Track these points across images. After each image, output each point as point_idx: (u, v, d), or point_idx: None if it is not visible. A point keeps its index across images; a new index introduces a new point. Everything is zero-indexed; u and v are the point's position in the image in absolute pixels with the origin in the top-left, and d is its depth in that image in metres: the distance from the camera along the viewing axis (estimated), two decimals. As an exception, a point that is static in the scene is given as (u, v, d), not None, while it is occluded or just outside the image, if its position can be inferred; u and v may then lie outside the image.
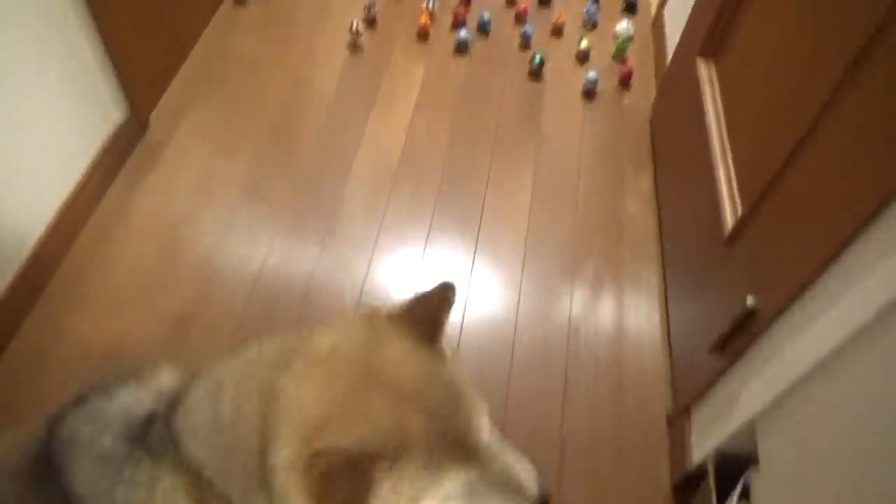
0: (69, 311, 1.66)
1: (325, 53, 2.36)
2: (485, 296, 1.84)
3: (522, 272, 1.90)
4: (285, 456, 0.64)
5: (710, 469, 1.37)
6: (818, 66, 1.21)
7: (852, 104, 1.08)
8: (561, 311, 1.83)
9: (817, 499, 1.04)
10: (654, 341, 1.80)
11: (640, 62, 2.50)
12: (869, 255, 0.98)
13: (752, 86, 1.53)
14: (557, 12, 2.59)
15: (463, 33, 2.40)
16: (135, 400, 0.75)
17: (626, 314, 1.84)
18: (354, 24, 2.34)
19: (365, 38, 2.40)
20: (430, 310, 0.77)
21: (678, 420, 1.58)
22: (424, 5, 2.49)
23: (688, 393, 1.54)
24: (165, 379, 0.78)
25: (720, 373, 1.38)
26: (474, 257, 1.91)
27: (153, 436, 0.71)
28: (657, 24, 2.58)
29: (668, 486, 1.55)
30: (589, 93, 2.36)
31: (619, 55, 2.48)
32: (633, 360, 1.76)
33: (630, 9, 2.68)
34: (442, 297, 0.78)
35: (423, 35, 2.46)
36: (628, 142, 2.25)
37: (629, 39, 2.53)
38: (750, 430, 1.26)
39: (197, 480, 0.70)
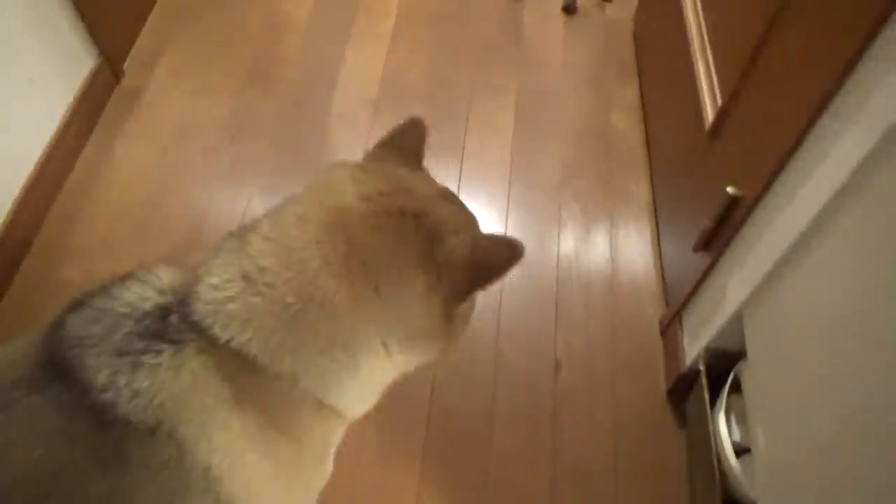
0: (58, 265, 1.66)
1: (297, -12, 2.30)
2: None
3: (509, 193, 1.87)
4: (451, 248, 0.74)
5: (702, 368, 1.37)
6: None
7: None
8: (550, 231, 1.80)
9: (804, 379, 1.03)
10: (645, 254, 1.78)
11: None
12: (840, 121, 0.95)
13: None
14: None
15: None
16: (138, 297, 0.72)
17: (617, 227, 1.82)
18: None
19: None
20: (410, 140, 0.86)
21: (670, 327, 1.57)
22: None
23: (678, 298, 1.52)
24: (165, 276, 0.75)
25: (706, 271, 1.36)
26: (459, 184, 1.88)
27: (169, 327, 0.70)
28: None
29: (664, 391, 1.56)
30: (569, 8, 2.28)
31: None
32: (626, 274, 1.74)
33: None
34: (418, 127, 0.87)
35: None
36: (613, 55, 2.19)
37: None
38: (738, 324, 1.24)
39: (231, 362, 0.69)
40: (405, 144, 0.85)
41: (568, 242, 1.78)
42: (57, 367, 0.68)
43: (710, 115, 1.41)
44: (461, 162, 1.92)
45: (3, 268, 1.61)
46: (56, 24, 1.73)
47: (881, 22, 0.86)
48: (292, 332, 0.70)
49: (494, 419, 1.51)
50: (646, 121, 2.00)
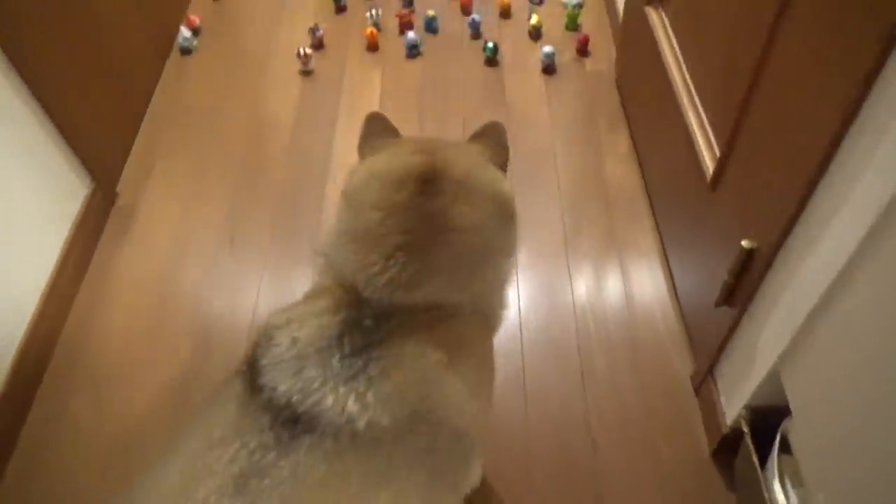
0: (69, 399, 1.62)
1: (279, 84, 2.32)
2: (482, 294, 1.78)
3: (516, 258, 1.84)
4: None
5: (746, 430, 1.30)
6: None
7: (801, 10, 1.01)
8: (563, 290, 1.76)
9: (858, 436, 0.97)
10: (663, 304, 1.73)
11: (595, 27, 2.44)
12: (853, 163, 0.91)
13: (702, 21, 1.47)
14: (502, -5, 2.54)
15: (411, 35, 2.35)
16: (318, 328, 0.79)
17: (630, 282, 1.77)
18: (302, 51, 2.30)
19: (315, 62, 2.36)
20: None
21: (704, 384, 1.51)
22: (367, 17, 2.45)
23: (706, 353, 1.47)
24: (309, 304, 0.83)
25: (733, 326, 1.31)
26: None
27: (369, 331, 0.78)
28: (605, -15, 2.51)
29: (708, 453, 1.48)
30: (548, 68, 2.30)
31: (572, 23, 2.42)
32: (647, 328, 1.69)
33: (574, -26, 2.62)
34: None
35: (372, 46, 2.41)
36: (598, 107, 2.19)
37: (579, 6, 2.47)
38: (776, 380, 1.19)
39: (425, 320, 0.80)
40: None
41: (582, 300, 1.74)
42: (299, 422, 0.74)
43: (709, 165, 1.39)
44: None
45: (14, 412, 1.58)
46: (47, 159, 1.74)
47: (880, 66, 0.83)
48: (460, 271, 0.84)
49: (533, 498, 1.44)
50: (642, 169, 1.98)
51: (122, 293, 1.82)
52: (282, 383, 0.76)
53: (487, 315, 0.92)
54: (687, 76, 1.56)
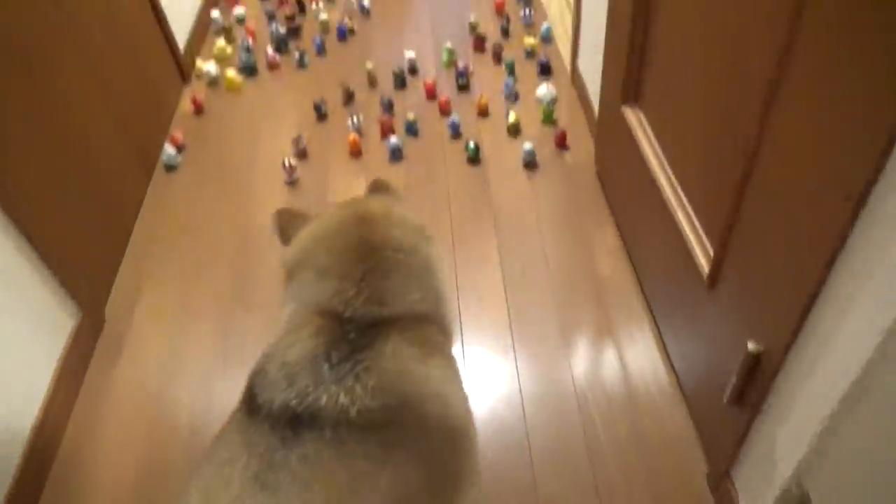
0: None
1: (265, 196, 2.34)
2: (482, 389, 1.75)
3: (515, 358, 1.82)
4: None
5: (770, 531, 1.26)
6: (742, 86, 1.19)
7: (788, 107, 1.04)
8: (565, 390, 1.74)
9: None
10: (669, 401, 1.70)
11: (571, 120, 2.52)
12: (866, 255, 0.90)
13: (682, 121, 1.51)
14: (478, 94, 2.63)
15: (394, 140, 2.40)
16: (306, 348, 0.91)
17: (632, 378, 1.76)
18: (287, 161, 2.33)
19: (300, 171, 2.39)
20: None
21: (721, 486, 1.47)
22: (349, 123, 2.51)
23: (721, 453, 1.44)
24: (305, 330, 0.94)
25: (747, 426, 1.29)
26: (463, 351, 1.83)
27: (353, 343, 0.91)
28: (576, 79, 2.61)
29: (732, 554, 1.43)
30: (530, 164, 2.35)
31: (549, 119, 2.50)
32: (654, 426, 1.66)
33: (545, 72, 2.73)
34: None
35: (355, 152, 2.46)
36: (582, 201, 2.23)
37: (553, 101, 2.56)
38: (798, 484, 1.16)
39: (401, 326, 0.95)
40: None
41: (587, 401, 1.71)
42: (299, 421, 0.85)
43: (703, 264, 1.40)
44: (461, 333, 1.88)
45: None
46: (31, 292, 1.71)
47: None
48: (416, 284, 1.01)
49: None
50: (633, 264, 2.00)
51: (112, 425, 1.75)
52: (278, 396, 0.88)
53: (442, 324, 1.05)
54: (671, 175, 1.60)
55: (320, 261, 1.00)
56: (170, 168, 2.47)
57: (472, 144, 2.36)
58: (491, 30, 2.99)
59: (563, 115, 2.54)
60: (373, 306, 0.94)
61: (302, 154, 2.46)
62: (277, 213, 1.15)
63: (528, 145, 2.32)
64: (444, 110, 2.59)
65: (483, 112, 2.57)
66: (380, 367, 0.89)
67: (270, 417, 0.86)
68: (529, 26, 2.99)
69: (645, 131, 1.75)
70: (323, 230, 1.04)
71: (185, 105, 2.75)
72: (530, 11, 2.98)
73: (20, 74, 1.74)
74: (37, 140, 1.78)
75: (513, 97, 2.62)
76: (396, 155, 2.42)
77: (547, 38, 2.89)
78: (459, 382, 1.04)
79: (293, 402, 0.86)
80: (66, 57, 1.97)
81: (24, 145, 1.72)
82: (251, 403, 0.89)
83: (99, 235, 2.07)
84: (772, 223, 1.13)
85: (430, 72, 2.81)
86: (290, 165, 2.33)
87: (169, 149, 2.45)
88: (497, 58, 2.81)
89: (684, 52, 1.45)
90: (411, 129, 2.51)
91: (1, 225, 1.61)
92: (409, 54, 2.78)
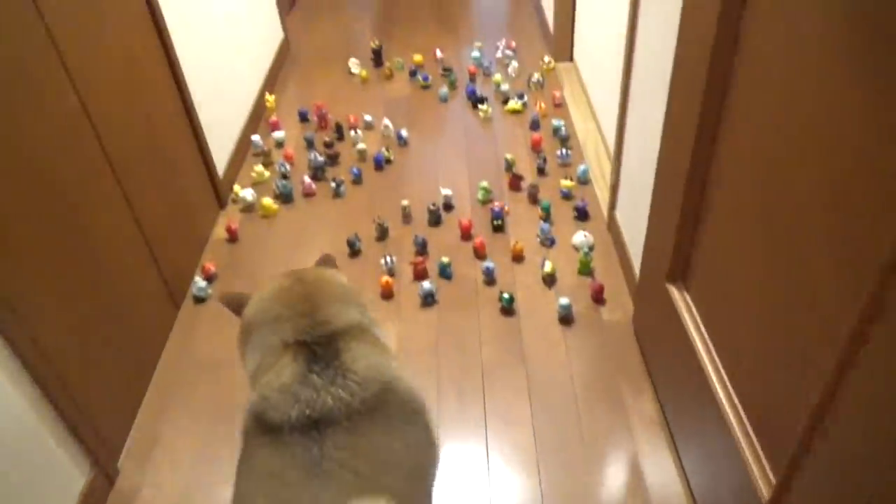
0: None
1: (292, 338, 2.29)
2: None
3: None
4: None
5: None
6: (820, 312, 1.13)
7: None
8: None
9: None
10: None
11: (608, 272, 2.47)
12: None
13: (740, 318, 1.43)
14: (514, 239, 2.60)
15: (427, 285, 2.36)
16: (292, 371, 1.16)
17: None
18: (316, 304, 2.29)
19: (329, 311, 2.35)
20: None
21: None
22: (382, 263, 2.48)
23: None
24: (284, 359, 1.19)
25: None
26: (493, 549, 1.71)
27: (326, 359, 1.18)
28: (613, 227, 2.58)
29: None
30: (565, 318, 2.29)
31: (585, 268, 2.45)
32: None
33: (582, 217, 2.71)
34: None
35: (387, 294, 2.42)
36: (619, 363, 2.15)
37: (590, 250, 2.53)
38: None
39: (357, 333, 1.24)
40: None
41: None
42: (318, 423, 1.09)
43: (762, 488, 1.30)
44: (489, 495, 1.77)
45: None
46: (42, 445, 1.64)
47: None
48: (346, 301, 1.28)
49: None
50: (675, 446, 1.88)
51: None
52: (292, 411, 1.10)
53: (375, 331, 1.31)
54: (722, 371, 1.51)
55: (275, 311, 1.24)
56: (199, 300, 2.44)
57: (506, 295, 2.31)
58: (527, 168, 3.01)
59: (599, 264, 2.50)
60: (325, 326, 1.21)
61: (333, 293, 2.43)
62: (225, 297, 1.36)
63: (564, 300, 2.27)
64: (480, 253, 2.56)
65: (518, 258, 2.54)
66: (356, 365, 1.16)
67: (295, 428, 1.08)
68: (566, 166, 3.00)
69: (692, 315, 1.69)
70: (271, 292, 1.28)
71: (220, 232, 2.76)
72: (567, 151, 3.00)
73: (52, 202, 1.74)
74: (66, 276, 1.76)
75: (548, 242, 2.59)
76: (429, 299, 2.37)
77: (584, 181, 2.89)
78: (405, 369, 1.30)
79: (307, 411, 1.09)
80: (101, 188, 1.98)
81: (51, 281, 1.70)
82: (266, 427, 1.11)
83: (119, 378, 2.01)
84: (857, 469, 1.03)
85: (466, 208, 2.81)
86: (321, 307, 2.29)
87: (199, 280, 2.43)
88: (533, 198, 2.80)
89: (746, 238, 1.39)
90: (445, 272, 2.47)
91: (12, 369, 1.56)
92: (446, 192, 2.79)
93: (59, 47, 1.76)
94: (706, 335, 1.62)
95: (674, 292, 1.78)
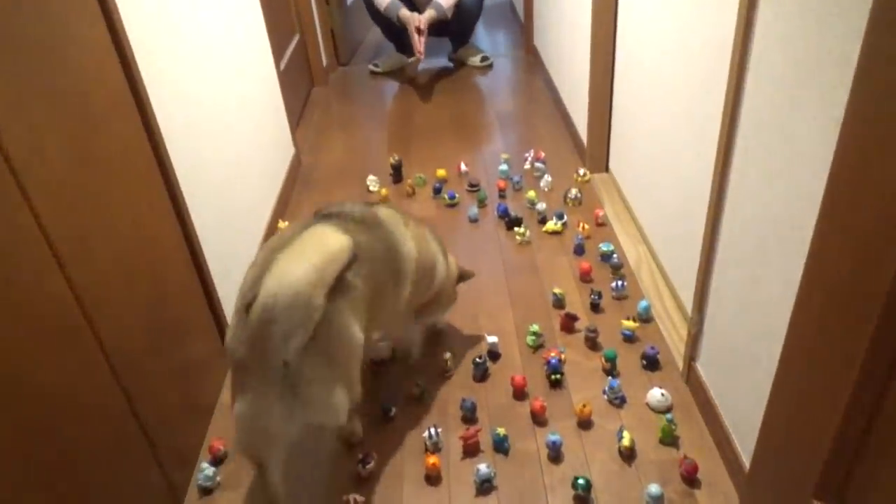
0: None
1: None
2: None
3: None
4: None
5: None
6: None
7: None
8: None
9: None
10: None
11: (695, 442, 2.06)
12: None
13: None
14: (575, 397, 2.22)
15: (484, 469, 1.94)
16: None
17: None
18: (352, 500, 1.87)
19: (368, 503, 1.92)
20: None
21: None
22: (425, 437, 2.07)
23: None
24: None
25: None
26: None
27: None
28: (693, 382, 2.20)
29: None
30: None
31: (668, 437, 2.05)
32: None
33: (651, 366, 2.33)
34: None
35: (433, 478, 2.00)
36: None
37: (670, 410, 2.14)
38: None
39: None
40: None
41: None
42: (333, 214, 1.85)
43: None
44: None
45: None
46: None
47: None
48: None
49: None
50: None
51: None
52: (324, 210, 1.91)
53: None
54: None
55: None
56: (205, 491, 2.01)
57: (581, 481, 1.89)
58: (577, 302, 2.65)
59: (681, 429, 2.09)
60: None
61: (368, 477, 2.01)
62: None
63: (654, 489, 1.85)
64: (539, 419, 2.16)
65: (585, 424, 2.14)
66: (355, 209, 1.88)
67: (318, 215, 1.85)
68: (622, 299, 2.65)
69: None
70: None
71: (229, 395, 2.36)
72: (622, 283, 2.65)
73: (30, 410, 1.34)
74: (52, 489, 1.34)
75: (618, 401, 2.20)
76: (486, 488, 1.95)
77: (646, 318, 2.53)
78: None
79: (333, 209, 1.86)
80: (94, 386, 1.59)
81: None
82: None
83: None
84: None
85: (514, 356, 2.42)
86: (356, 503, 1.87)
87: (206, 466, 2.01)
88: (591, 343, 2.43)
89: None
90: (501, 447, 2.07)
91: None
92: (492, 339, 2.41)
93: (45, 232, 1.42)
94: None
95: (825, 512, 1.38)
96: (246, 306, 1.52)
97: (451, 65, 5.44)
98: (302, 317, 1.48)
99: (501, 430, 2.07)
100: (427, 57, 5.05)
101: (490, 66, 5.30)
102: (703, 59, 2.07)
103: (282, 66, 3.98)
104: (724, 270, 1.91)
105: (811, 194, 1.39)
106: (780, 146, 1.52)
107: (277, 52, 3.76)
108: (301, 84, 4.78)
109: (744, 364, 1.82)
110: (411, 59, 5.29)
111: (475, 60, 5.32)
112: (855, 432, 1.28)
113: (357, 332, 1.65)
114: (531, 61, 5.34)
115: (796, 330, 1.43)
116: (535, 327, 2.46)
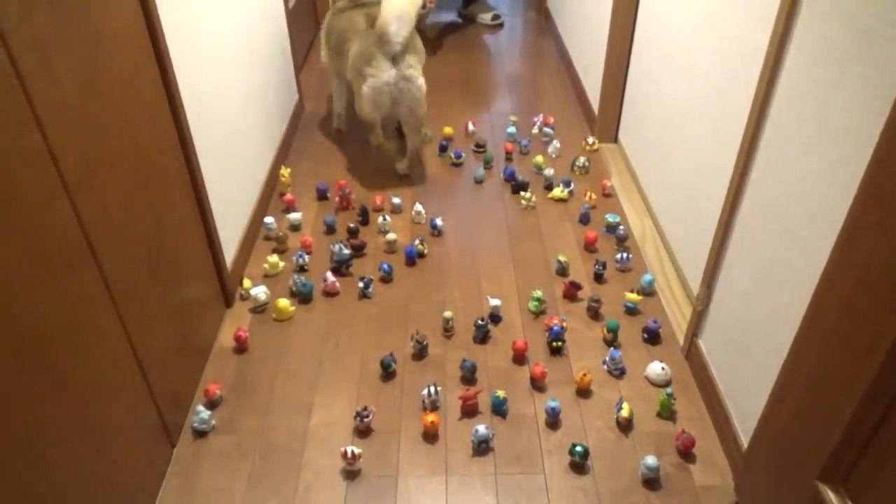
0: None
1: (316, 491, 1.84)
2: None
3: None
4: None
5: None
6: None
7: None
8: None
9: None
10: None
11: (693, 418, 2.07)
12: None
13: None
14: (575, 364, 2.21)
15: (482, 430, 1.93)
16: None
17: None
18: (350, 451, 1.86)
19: (364, 457, 1.91)
20: None
21: None
22: (424, 395, 2.06)
23: None
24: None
25: None
26: None
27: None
28: (694, 358, 2.20)
29: None
30: (651, 482, 1.87)
31: (666, 411, 2.05)
32: None
33: (652, 339, 2.32)
34: None
35: (431, 436, 1.99)
36: (725, 549, 1.74)
37: (669, 384, 2.14)
38: None
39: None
40: None
41: None
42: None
43: None
44: None
45: None
46: None
47: None
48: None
49: None
50: None
51: None
52: None
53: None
54: None
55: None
56: (199, 434, 1.99)
57: (579, 448, 1.89)
58: (581, 272, 2.63)
59: (679, 403, 2.10)
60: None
61: (365, 431, 2.00)
62: None
63: (650, 460, 1.85)
64: (538, 384, 2.16)
65: (584, 392, 2.14)
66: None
67: None
68: (626, 271, 2.63)
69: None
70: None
71: (226, 339, 2.33)
72: (627, 255, 2.63)
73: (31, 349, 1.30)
74: (47, 425, 1.31)
75: (618, 372, 2.20)
76: (483, 449, 1.95)
77: (649, 292, 2.52)
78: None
79: None
80: (95, 319, 1.54)
81: (28, 428, 1.25)
82: None
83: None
84: None
85: (516, 321, 2.41)
86: (353, 455, 1.86)
87: (201, 409, 1.98)
88: (594, 314, 2.42)
89: None
90: (500, 409, 2.06)
91: None
92: (494, 302, 2.39)
93: (49, 143, 1.35)
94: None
95: (828, 494, 1.38)
96: (371, 23, 2.81)
97: (459, 20, 5.30)
98: (408, 23, 2.76)
99: (501, 393, 2.06)
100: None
101: (501, 26, 5.18)
102: (737, 29, 2.01)
103: (290, 4, 3.84)
104: (739, 248, 1.89)
105: (849, 174, 1.36)
106: (817, 121, 1.48)
107: (287, -8, 3.62)
108: (307, 25, 4.64)
109: (751, 343, 1.81)
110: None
111: (486, 18, 5.19)
112: (871, 418, 1.28)
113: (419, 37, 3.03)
114: (543, 24, 5.22)
115: (818, 312, 1.41)
116: (538, 293, 2.43)
